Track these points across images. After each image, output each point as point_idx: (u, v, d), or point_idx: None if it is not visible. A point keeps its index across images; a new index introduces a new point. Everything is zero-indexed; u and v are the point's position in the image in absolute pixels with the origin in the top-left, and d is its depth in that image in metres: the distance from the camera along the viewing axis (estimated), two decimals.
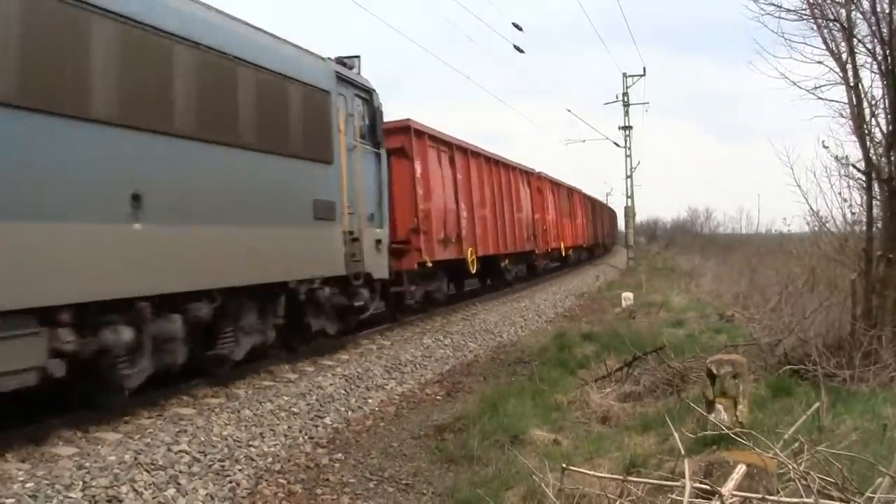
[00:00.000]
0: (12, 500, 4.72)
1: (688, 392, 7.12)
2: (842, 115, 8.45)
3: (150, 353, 6.76)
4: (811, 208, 9.41)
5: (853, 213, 9.00)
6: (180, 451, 5.90)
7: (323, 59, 9.99)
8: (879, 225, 8.24)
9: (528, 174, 23.22)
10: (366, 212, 10.68)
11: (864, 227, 8.49)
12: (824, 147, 8.69)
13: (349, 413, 8.04)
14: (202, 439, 6.24)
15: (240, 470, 5.96)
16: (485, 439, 6.49)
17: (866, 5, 7.87)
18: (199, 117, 7.19)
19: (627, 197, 37.77)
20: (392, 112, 19.55)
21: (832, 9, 8.17)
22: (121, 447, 5.80)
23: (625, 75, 37.74)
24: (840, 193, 9.06)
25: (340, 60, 10.63)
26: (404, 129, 13.71)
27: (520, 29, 22.66)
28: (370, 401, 8.60)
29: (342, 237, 9.89)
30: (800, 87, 8.49)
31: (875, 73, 7.98)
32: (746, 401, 5.66)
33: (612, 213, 57.05)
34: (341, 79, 10.24)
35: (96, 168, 6.00)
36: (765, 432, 4.63)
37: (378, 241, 11.12)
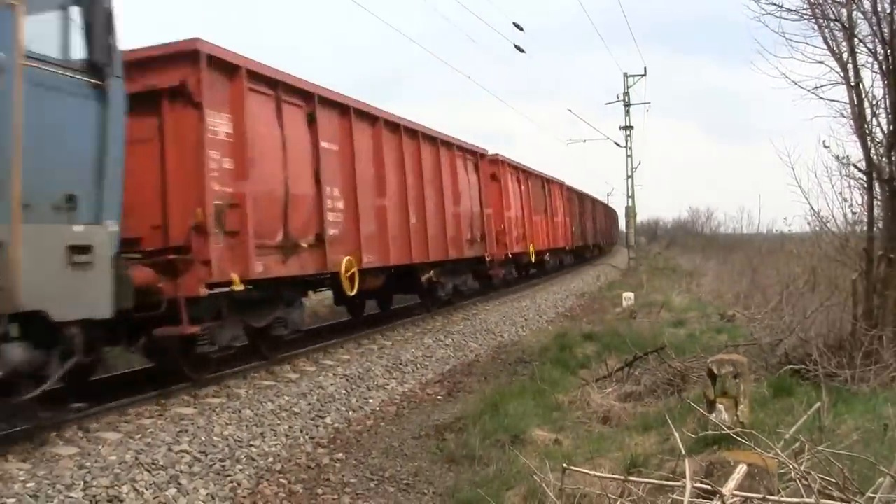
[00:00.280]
0: (13, 500, 4.73)
1: (689, 392, 7.11)
2: (843, 115, 8.44)
3: None
4: (812, 208, 9.40)
5: (854, 213, 9.00)
6: (181, 450, 5.90)
7: None
8: (880, 225, 8.24)
9: (475, 155, 17.35)
10: (42, 191, 5.69)
11: (865, 227, 8.48)
12: (825, 147, 8.68)
13: (350, 413, 8.04)
14: (203, 439, 6.25)
15: (241, 470, 5.96)
16: (485, 439, 6.49)
17: (867, 5, 7.87)
18: None
19: (628, 197, 37.70)
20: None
21: (833, 8, 8.17)
22: (122, 447, 5.80)
23: (626, 75, 37.67)
24: (841, 193, 9.05)
25: None
26: (187, 56, 7.80)
27: (520, 29, 22.64)
28: (371, 400, 8.61)
29: None
30: (801, 87, 8.49)
31: (876, 72, 7.98)
32: (747, 401, 5.66)
33: (612, 213, 55.94)
34: None
35: None
36: (766, 432, 4.62)
37: (81, 250, 5.99)
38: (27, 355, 5.65)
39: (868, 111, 8.09)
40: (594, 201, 42.63)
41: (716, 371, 5.66)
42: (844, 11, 8.06)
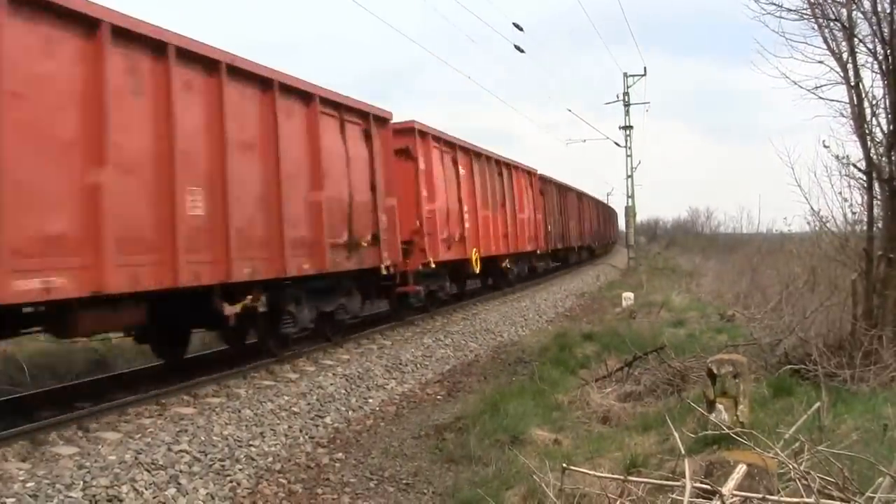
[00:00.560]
0: (13, 500, 4.73)
1: (688, 392, 7.12)
2: (842, 115, 8.44)
3: None
4: (812, 208, 9.39)
5: (854, 213, 8.99)
6: (181, 450, 5.90)
7: None
8: (880, 225, 8.24)
9: (365, 119, 11.25)
10: None
11: (865, 227, 8.48)
12: (825, 147, 8.67)
13: (350, 413, 8.04)
14: (203, 439, 6.25)
15: (240, 469, 5.96)
16: (485, 439, 6.50)
17: (867, 5, 7.86)
18: None
19: (628, 197, 37.71)
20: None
21: (833, 8, 8.16)
22: (121, 447, 5.80)
23: (625, 75, 37.62)
24: (841, 193, 9.04)
25: None
26: None
27: (520, 29, 22.63)
28: (371, 400, 8.61)
29: None
30: (801, 87, 8.48)
31: (876, 72, 7.97)
32: (747, 400, 5.66)
33: (610, 211, 53.55)
34: None
35: None
36: (765, 432, 4.62)
37: None
38: None
39: (868, 111, 8.09)
40: (580, 196, 35.04)
41: (715, 371, 5.66)
42: (844, 11, 8.07)
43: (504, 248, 18.89)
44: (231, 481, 5.73)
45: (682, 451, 3.91)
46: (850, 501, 3.47)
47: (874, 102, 8.05)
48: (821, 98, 8.46)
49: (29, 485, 4.97)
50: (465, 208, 15.84)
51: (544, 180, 25.29)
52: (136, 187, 6.74)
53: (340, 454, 6.67)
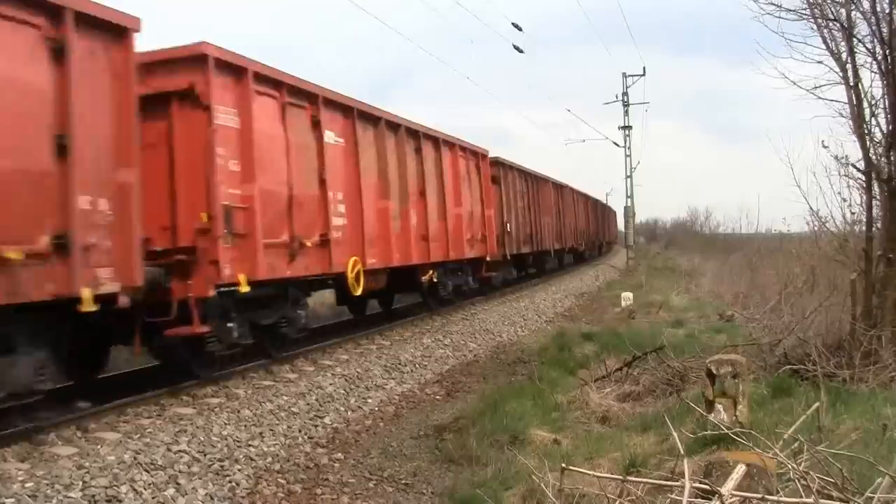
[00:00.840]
0: (12, 500, 4.73)
1: (687, 392, 7.11)
2: (842, 115, 8.44)
3: None
4: (811, 208, 9.41)
5: (853, 213, 9.00)
6: (180, 450, 5.90)
7: None
8: (879, 225, 8.24)
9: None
10: None
11: (864, 227, 8.48)
12: (824, 147, 8.68)
13: (349, 413, 8.04)
14: (202, 439, 6.24)
15: (239, 470, 5.96)
16: (484, 439, 6.49)
17: (866, 5, 7.87)
18: None
19: (627, 197, 37.70)
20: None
21: (832, 8, 8.17)
22: (120, 447, 5.80)
23: (624, 75, 37.52)
24: (840, 193, 9.06)
25: None
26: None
27: (519, 29, 22.63)
28: (370, 401, 8.61)
29: None
30: (800, 87, 8.48)
31: (875, 72, 7.98)
32: (746, 400, 5.66)
33: (606, 210, 51.76)
34: None
35: None
36: (764, 432, 4.62)
37: None
38: None
39: (867, 111, 8.10)
40: (560, 188, 28.62)
41: (715, 371, 5.66)
42: (843, 11, 8.07)
43: (424, 255, 13.47)
44: (230, 481, 5.73)
45: (682, 452, 3.91)
46: (849, 501, 3.47)
47: (873, 102, 8.06)
48: (820, 98, 8.47)
49: (28, 485, 4.96)
50: (338, 196, 10.36)
51: (500, 165, 19.50)
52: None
53: (339, 454, 6.67)
